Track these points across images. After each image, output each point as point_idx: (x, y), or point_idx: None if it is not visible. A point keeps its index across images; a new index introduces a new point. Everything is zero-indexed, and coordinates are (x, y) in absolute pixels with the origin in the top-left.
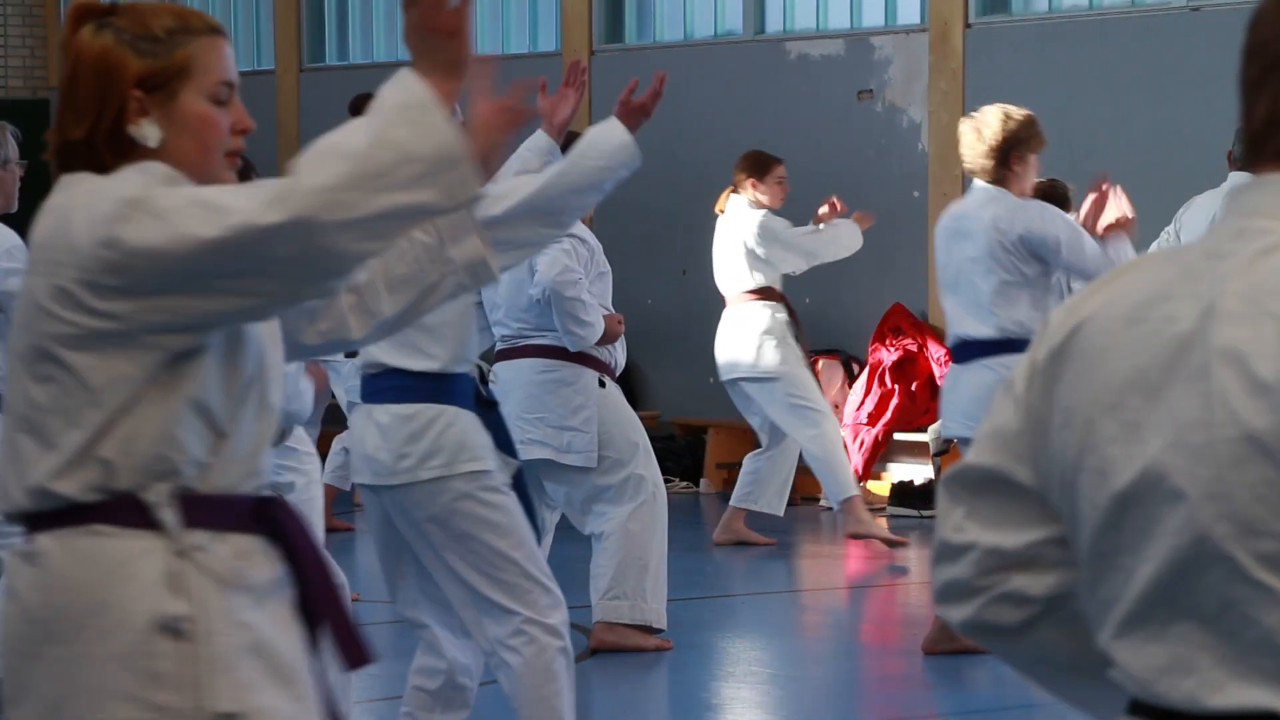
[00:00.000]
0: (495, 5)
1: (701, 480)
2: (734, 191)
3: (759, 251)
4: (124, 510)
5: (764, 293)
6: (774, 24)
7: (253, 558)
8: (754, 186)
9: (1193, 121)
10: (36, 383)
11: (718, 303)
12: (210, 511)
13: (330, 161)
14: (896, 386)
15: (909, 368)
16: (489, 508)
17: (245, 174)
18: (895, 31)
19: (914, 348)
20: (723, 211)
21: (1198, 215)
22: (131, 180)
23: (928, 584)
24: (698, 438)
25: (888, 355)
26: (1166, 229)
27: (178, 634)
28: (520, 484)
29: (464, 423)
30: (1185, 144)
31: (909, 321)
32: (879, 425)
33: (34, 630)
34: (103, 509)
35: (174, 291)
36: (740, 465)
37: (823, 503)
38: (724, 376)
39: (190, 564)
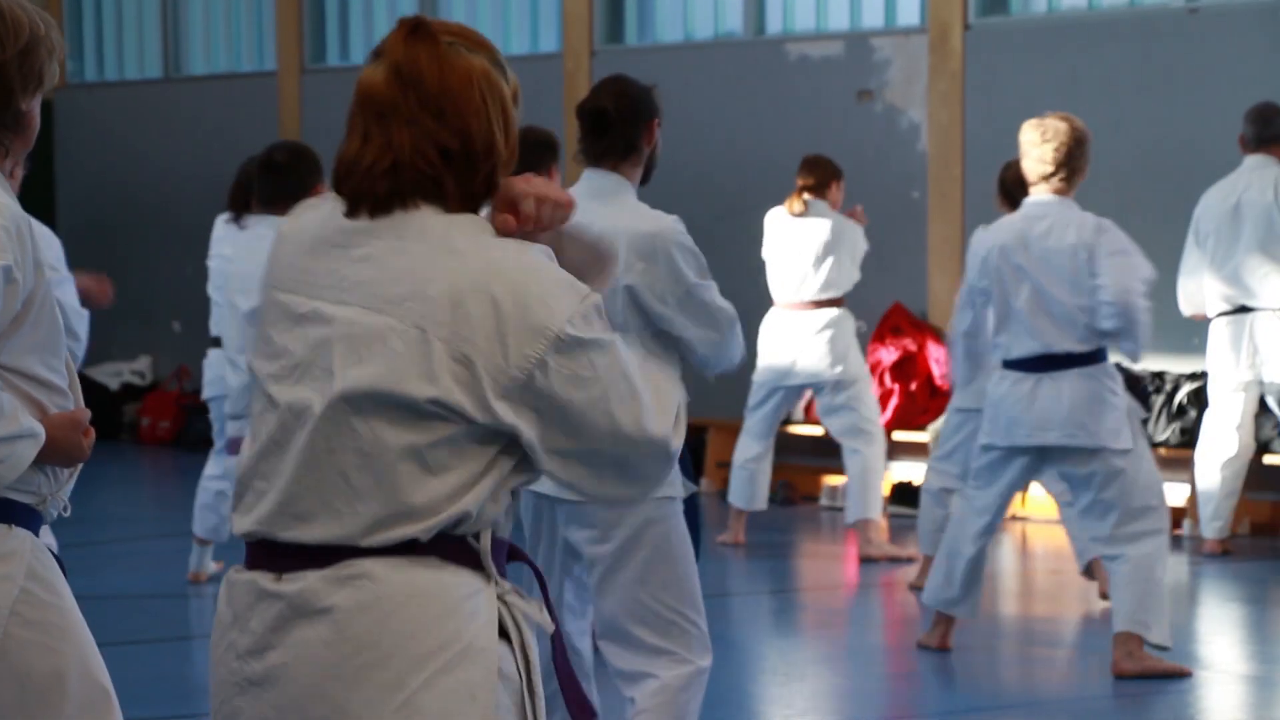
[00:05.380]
0: (496, 6)
1: (701, 480)
2: (806, 194)
3: (847, 257)
4: (458, 550)
5: (841, 300)
6: (774, 25)
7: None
8: (835, 189)
9: (1191, 121)
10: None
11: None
12: (498, 557)
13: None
14: (896, 386)
15: (908, 367)
16: (669, 535)
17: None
18: (895, 33)
19: (913, 348)
20: (797, 214)
21: (1213, 202)
22: (567, 285)
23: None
24: (698, 438)
25: (887, 355)
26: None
27: (513, 674)
28: (693, 507)
29: None
30: (1184, 144)
31: (908, 321)
32: None
33: (358, 654)
34: (438, 545)
35: (549, 427)
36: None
37: (822, 503)
38: (796, 382)
39: (508, 608)
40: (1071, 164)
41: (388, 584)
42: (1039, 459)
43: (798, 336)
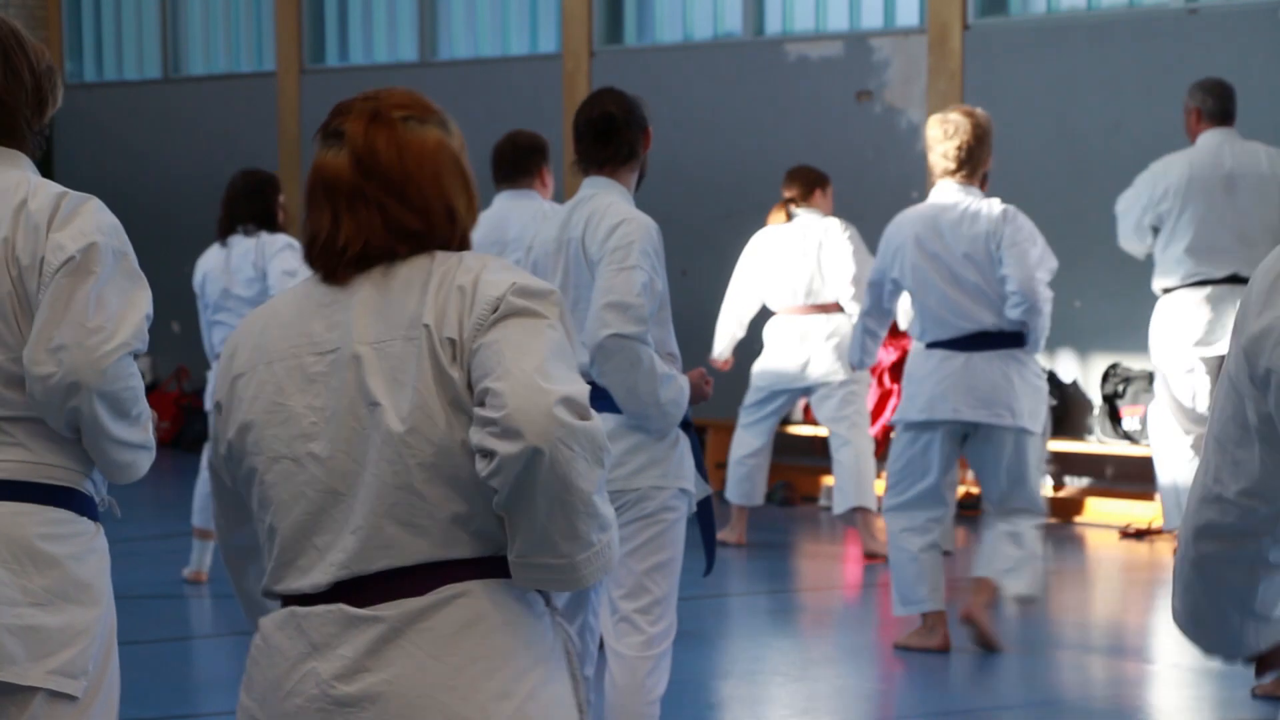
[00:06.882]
0: (495, 6)
1: None
2: (795, 205)
3: (852, 261)
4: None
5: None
6: (773, 25)
7: None
8: (822, 197)
9: None
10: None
11: (718, 304)
12: None
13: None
14: (895, 386)
15: None
16: (676, 525)
17: (274, 186)
18: (894, 33)
19: None
20: (784, 221)
21: (1200, 173)
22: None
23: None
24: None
25: (886, 355)
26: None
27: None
28: (706, 508)
29: (684, 443)
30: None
31: None
32: (878, 425)
33: (470, 665)
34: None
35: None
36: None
37: (822, 503)
38: (801, 385)
39: (554, 612)
40: (974, 159)
41: (488, 603)
42: (960, 435)
43: (805, 341)
